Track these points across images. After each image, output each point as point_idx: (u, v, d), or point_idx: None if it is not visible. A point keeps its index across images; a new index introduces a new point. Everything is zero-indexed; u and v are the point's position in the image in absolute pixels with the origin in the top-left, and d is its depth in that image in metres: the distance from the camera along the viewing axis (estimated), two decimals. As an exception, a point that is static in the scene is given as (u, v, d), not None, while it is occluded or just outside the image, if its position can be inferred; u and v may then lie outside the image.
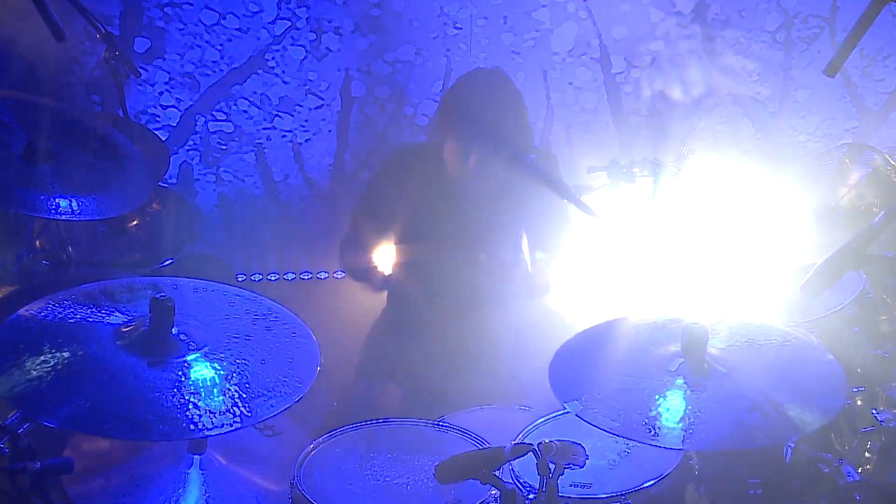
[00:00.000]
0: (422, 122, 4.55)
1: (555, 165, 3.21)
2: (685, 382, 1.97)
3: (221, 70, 4.45)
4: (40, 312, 1.99)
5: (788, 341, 2.13)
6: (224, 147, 4.59)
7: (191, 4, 4.33)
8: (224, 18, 4.37)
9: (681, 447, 2.13)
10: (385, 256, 3.07)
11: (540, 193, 3.00)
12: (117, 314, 2.00)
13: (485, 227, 3.04)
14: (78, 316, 1.98)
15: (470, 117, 2.93)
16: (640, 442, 2.12)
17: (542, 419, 2.39)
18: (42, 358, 1.83)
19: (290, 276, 4.80)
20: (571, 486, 2.10)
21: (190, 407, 1.79)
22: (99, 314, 2.00)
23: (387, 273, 3.07)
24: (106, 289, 2.08)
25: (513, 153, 2.90)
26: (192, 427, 1.76)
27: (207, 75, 4.45)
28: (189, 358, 1.90)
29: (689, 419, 1.87)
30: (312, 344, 2.11)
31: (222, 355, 1.95)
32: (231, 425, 1.79)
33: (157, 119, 4.49)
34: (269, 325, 2.16)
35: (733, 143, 4.80)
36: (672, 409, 1.91)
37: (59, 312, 1.99)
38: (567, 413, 2.29)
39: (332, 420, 2.90)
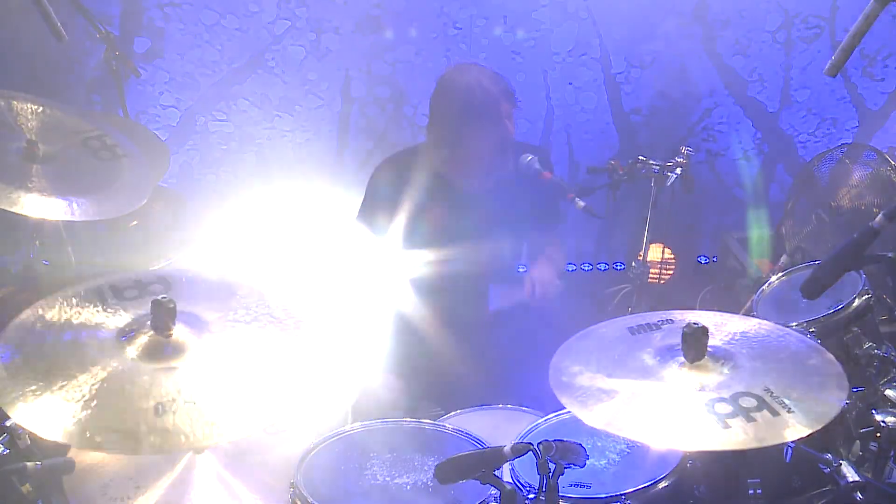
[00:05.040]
0: (422, 122, 4.56)
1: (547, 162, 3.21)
2: (685, 382, 1.97)
3: (221, 70, 4.45)
4: (41, 313, 1.98)
5: (788, 341, 2.13)
6: (224, 147, 4.59)
7: (191, 4, 4.34)
8: (224, 18, 4.37)
9: (680, 448, 2.15)
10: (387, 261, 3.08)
11: (533, 191, 3.00)
12: (121, 313, 1.99)
13: (485, 226, 3.04)
14: (80, 316, 1.98)
15: (454, 111, 2.94)
16: (639, 442, 2.13)
17: (543, 419, 2.39)
18: (42, 358, 1.83)
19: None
20: (571, 486, 2.10)
21: (193, 407, 1.79)
22: (103, 314, 1.99)
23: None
24: (114, 284, 2.06)
25: (503, 149, 2.92)
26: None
27: (207, 75, 4.45)
28: (190, 358, 1.90)
29: (689, 419, 1.87)
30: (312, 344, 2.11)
31: (224, 355, 1.95)
32: (236, 429, 1.79)
33: (157, 119, 4.49)
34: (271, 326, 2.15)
35: (733, 143, 4.81)
36: (671, 408, 1.91)
37: (59, 312, 1.99)
38: (567, 414, 2.30)
39: (332, 419, 2.89)
